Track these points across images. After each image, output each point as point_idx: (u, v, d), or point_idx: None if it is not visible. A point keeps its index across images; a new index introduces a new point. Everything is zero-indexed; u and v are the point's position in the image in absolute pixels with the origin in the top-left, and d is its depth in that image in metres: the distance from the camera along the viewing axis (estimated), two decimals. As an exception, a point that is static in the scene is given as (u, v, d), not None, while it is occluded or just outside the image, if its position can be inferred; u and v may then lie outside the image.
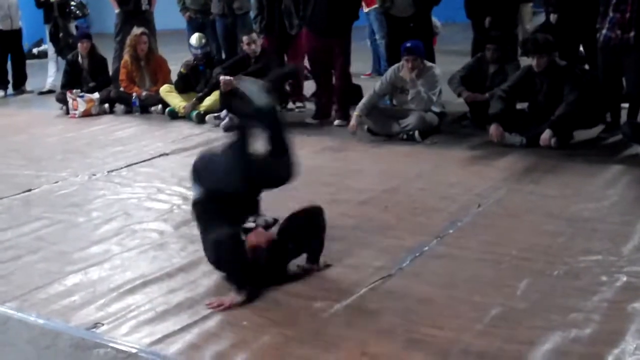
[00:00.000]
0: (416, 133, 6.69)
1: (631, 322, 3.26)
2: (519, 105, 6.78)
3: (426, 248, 4.17)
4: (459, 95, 7.24)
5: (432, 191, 5.16)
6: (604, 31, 6.52)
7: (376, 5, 8.68)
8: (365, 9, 9.80)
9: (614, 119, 6.80)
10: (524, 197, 5.08)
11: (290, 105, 8.54)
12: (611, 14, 6.45)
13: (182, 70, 8.42)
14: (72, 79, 8.81)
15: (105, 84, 8.89)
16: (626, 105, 6.71)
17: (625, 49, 6.43)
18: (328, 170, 5.93)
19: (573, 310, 3.39)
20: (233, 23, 8.93)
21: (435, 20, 8.46)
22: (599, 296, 3.53)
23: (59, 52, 9.87)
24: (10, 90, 10.29)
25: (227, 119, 7.50)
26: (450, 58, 10.56)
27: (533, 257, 4.02)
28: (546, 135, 6.19)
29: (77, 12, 9.78)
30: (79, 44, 8.87)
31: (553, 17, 7.29)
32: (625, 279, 3.71)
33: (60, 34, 9.78)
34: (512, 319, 3.34)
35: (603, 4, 6.52)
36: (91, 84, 8.77)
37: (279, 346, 3.17)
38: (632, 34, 6.35)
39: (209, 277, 3.89)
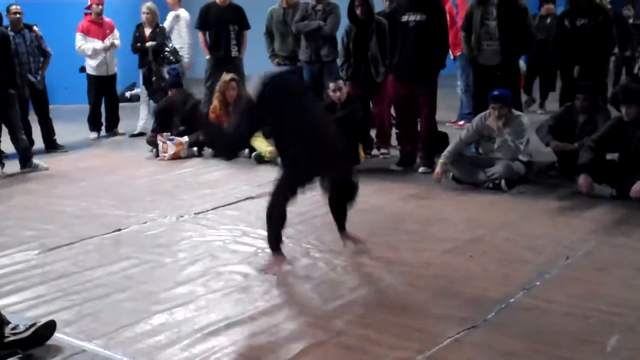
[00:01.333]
0: (503, 182, 6.62)
1: None
2: (609, 156, 6.64)
3: (512, 300, 4.09)
4: (547, 144, 7.14)
5: (519, 242, 5.08)
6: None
7: (462, 52, 8.68)
8: (452, 56, 9.80)
9: None
10: (614, 250, 4.96)
11: (375, 151, 8.57)
12: None
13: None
14: (163, 123, 9.04)
15: (194, 128, 9.08)
16: None
17: None
18: (412, 217, 5.91)
19: (666, 369, 3.28)
20: (320, 70, 9.05)
21: (521, 64, 8.39)
22: (693, 355, 3.40)
23: (151, 95, 10.16)
24: (103, 132, 10.61)
25: (312, 164, 7.55)
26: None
27: (623, 312, 3.90)
28: (637, 186, 6.03)
29: (171, 57, 10.06)
30: (170, 92, 9.12)
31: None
32: None
33: (153, 78, 10.07)
34: (602, 376, 3.25)
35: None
36: (181, 128, 8.98)
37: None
38: None
39: (292, 321, 3.91)
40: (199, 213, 6.21)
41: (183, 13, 10.68)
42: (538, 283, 4.36)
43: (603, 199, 6.15)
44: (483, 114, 6.98)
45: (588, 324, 3.79)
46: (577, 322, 3.81)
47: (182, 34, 10.54)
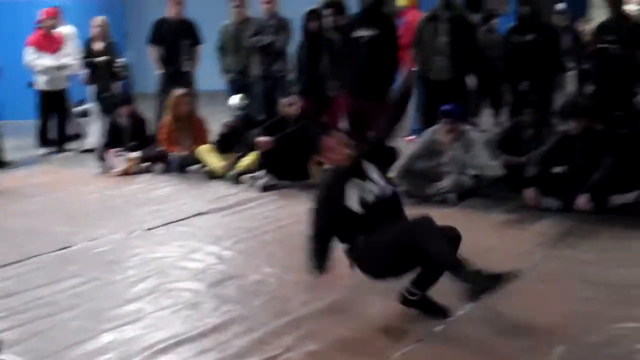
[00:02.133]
0: (452, 196, 6.69)
1: (669, 393, 3.19)
2: (556, 169, 6.76)
3: (461, 312, 4.13)
4: (495, 158, 7.23)
5: (467, 254, 5.11)
6: (642, 95, 6.54)
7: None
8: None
9: (653, 183, 6.74)
10: (560, 262, 5.04)
11: (327, 166, 8.58)
12: (649, 78, 6.47)
13: (222, 131, 8.54)
14: (113, 139, 8.97)
15: (145, 143, 9.03)
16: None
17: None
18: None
19: (609, 379, 3.34)
20: (273, 85, 9.08)
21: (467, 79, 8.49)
22: (636, 365, 3.47)
23: (103, 111, 10.06)
24: (52, 148, 10.48)
25: (263, 179, 7.57)
26: (488, 121, 10.61)
27: (569, 323, 3.97)
28: (583, 199, 6.15)
29: (122, 73, 9.99)
30: (120, 108, 9.06)
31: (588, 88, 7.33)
32: (663, 347, 3.65)
33: (104, 94, 9.99)
34: (546, 387, 3.30)
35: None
36: (131, 144, 8.91)
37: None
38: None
39: (240, 338, 3.91)
40: (149, 229, 6.17)
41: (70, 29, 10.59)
42: (487, 295, 4.41)
43: (549, 212, 6.25)
44: (433, 128, 7.05)
45: (534, 335, 3.85)
46: (524, 334, 3.87)
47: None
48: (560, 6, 10.37)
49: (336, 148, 4.21)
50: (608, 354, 3.61)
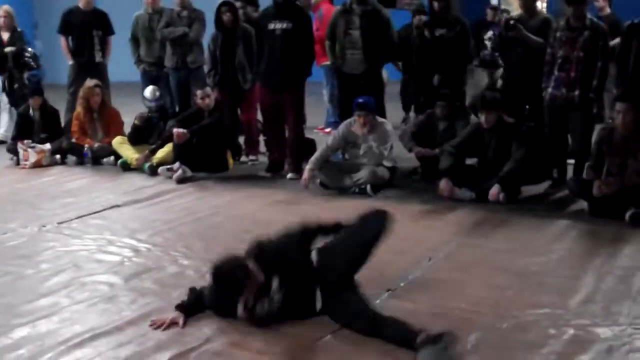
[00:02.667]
0: (368, 187, 6.77)
1: (578, 375, 3.32)
2: (469, 161, 6.92)
3: (377, 301, 4.19)
4: (410, 150, 7.36)
5: (384, 244, 5.19)
6: (549, 89, 6.73)
7: (327, 63, 8.80)
8: (317, 65, 9.92)
9: (561, 174, 6.97)
10: (473, 251, 5.16)
11: (244, 158, 8.58)
12: (557, 73, 6.67)
13: (135, 122, 8.43)
14: (24, 130, 8.74)
15: (57, 135, 8.83)
16: (572, 161, 6.89)
17: (570, 107, 6.64)
18: (280, 223, 5.87)
19: (521, 363, 3.44)
20: (186, 76, 9.01)
21: (384, 72, 8.59)
22: (547, 349, 3.59)
23: (13, 103, 9.78)
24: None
25: (180, 171, 7.50)
26: (402, 114, 10.75)
27: (482, 310, 4.07)
28: (495, 190, 6.32)
29: (32, 63, 9.72)
30: (30, 100, 8.82)
31: (499, 80, 7.49)
32: (572, 332, 3.78)
33: (15, 85, 9.71)
34: (462, 372, 3.38)
35: (548, 63, 6.74)
36: (43, 135, 8.71)
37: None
38: (576, 92, 6.58)
39: (158, 331, 3.86)
40: (62, 222, 6.04)
41: None
42: (402, 284, 4.49)
43: (463, 202, 6.39)
44: (348, 120, 7.11)
45: (450, 322, 3.92)
46: (440, 321, 3.93)
47: None
48: (493, 1, 10.73)
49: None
50: (520, 339, 3.72)
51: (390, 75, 10.07)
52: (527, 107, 7.51)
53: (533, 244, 5.27)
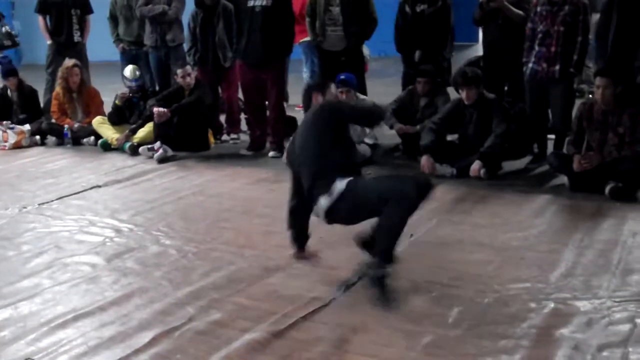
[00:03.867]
0: (350, 164, 6.76)
1: (558, 348, 3.35)
2: (449, 137, 6.93)
3: (360, 278, 4.21)
4: (391, 127, 7.36)
5: (365, 221, 5.22)
6: (530, 65, 6.74)
7: (306, 39, 8.77)
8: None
9: (541, 150, 7.00)
10: (455, 226, 5.19)
11: (225, 137, 8.56)
12: (537, 48, 6.68)
13: (116, 102, 8.38)
14: (3, 111, 8.68)
15: (36, 116, 8.78)
16: (552, 136, 6.92)
17: (551, 82, 6.66)
18: (262, 201, 5.96)
19: (503, 337, 3.47)
20: (166, 55, 8.94)
21: (364, 49, 8.58)
22: (527, 323, 3.62)
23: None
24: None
25: (161, 151, 7.48)
26: (382, 90, 10.72)
27: (463, 285, 4.10)
28: (476, 166, 6.34)
29: (6, 42, 9.62)
30: (5, 82, 8.74)
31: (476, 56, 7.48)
32: (552, 305, 3.82)
33: (-11, 66, 9.62)
34: (444, 346, 3.40)
35: (529, 38, 6.74)
36: (22, 116, 8.65)
37: (213, 378, 3.16)
38: (557, 67, 6.59)
39: (141, 310, 3.87)
40: (43, 204, 6.01)
41: None
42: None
43: (444, 179, 6.40)
44: (330, 98, 7.09)
45: (431, 297, 3.96)
46: (422, 296, 3.97)
47: None
48: None
49: None
50: (501, 313, 3.75)
51: (372, 52, 10.08)
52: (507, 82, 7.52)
53: (514, 219, 5.30)
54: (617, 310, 3.74)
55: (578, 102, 6.64)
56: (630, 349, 3.33)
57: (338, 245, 4.74)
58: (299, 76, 10.48)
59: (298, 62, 10.10)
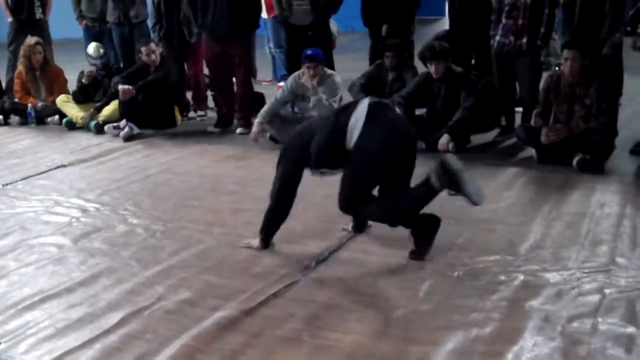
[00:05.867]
0: (318, 140, 6.72)
1: (529, 320, 3.36)
2: (418, 111, 6.92)
3: (331, 254, 4.20)
4: (359, 102, 7.31)
5: (335, 197, 5.20)
6: (497, 37, 6.74)
7: (275, 14, 8.70)
8: (266, 16, 9.80)
9: (509, 122, 7.03)
10: (424, 200, 5.17)
11: (192, 114, 8.48)
12: (504, 21, 6.67)
13: (83, 81, 8.25)
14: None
15: (-2, 95, 8.63)
16: (520, 109, 6.94)
17: (518, 55, 6.67)
18: (231, 179, 5.91)
19: (473, 309, 3.48)
20: (130, 31, 8.82)
21: (332, 25, 8.53)
22: (498, 295, 3.63)
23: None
24: None
25: (126, 129, 7.39)
26: (350, 65, 10.70)
27: (434, 259, 4.10)
28: (444, 140, 6.33)
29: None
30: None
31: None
32: (522, 277, 3.84)
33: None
34: (415, 320, 3.40)
35: (496, 11, 6.74)
36: (-16, 96, 8.51)
37: (184, 359, 3.13)
38: (524, 39, 6.60)
39: (109, 291, 3.82)
40: (7, 184, 5.91)
41: None
42: (355, 236, 4.50)
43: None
44: (297, 73, 7.03)
45: (403, 272, 3.96)
46: (393, 272, 3.97)
47: None
48: None
49: None
50: (471, 286, 3.76)
51: (340, 27, 10.05)
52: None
53: (483, 192, 5.29)
54: (586, 281, 3.77)
55: (545, 75, 6.65)
56: (599, 319, 3.35)
57: (308, 221, 4.73)
58: (264, 51, 10.43)
59: (263, 37, 10.05)
